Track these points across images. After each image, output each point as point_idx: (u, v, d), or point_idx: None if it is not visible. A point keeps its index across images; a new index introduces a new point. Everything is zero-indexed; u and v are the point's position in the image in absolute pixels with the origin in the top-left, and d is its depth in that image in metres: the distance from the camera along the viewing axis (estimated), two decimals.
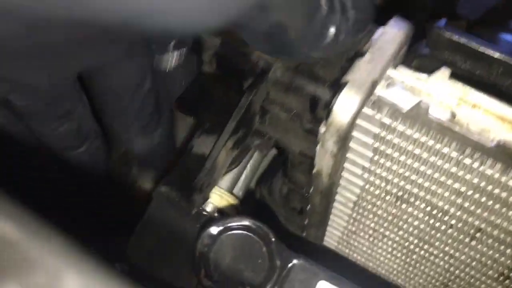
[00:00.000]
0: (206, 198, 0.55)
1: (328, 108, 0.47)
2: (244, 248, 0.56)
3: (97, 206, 1.07)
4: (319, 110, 0.51)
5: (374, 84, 0.47)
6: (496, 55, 0.50)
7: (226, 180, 0.73)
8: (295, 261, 0.56)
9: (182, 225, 0.61)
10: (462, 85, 0.49)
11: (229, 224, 0.56)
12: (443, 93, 0.49)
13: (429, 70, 0.50)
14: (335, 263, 1.05)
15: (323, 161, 0.52)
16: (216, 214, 0.68)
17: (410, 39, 0.51)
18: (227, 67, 0.56)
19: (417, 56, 0.53)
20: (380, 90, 0.50)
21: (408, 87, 0.50)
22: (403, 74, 0.50)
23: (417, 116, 0.48)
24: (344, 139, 0.49)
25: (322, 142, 0.50)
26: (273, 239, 0.56)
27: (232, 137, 0.52)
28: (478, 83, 0.50)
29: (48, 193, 0.91)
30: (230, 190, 0.74)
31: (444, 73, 0.49)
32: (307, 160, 0.59)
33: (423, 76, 0.50)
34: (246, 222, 0.56)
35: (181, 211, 0.62)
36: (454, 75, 0.50)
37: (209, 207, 0.68)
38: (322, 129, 0.48)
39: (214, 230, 0.56)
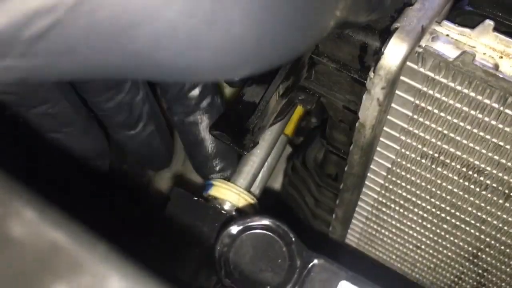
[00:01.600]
0: (256, 143, 0.57)
1: (377, 54, 0.50)
2: (264, 247, 0.56)
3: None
4: (368, 57, 0.53)
5: (423, 31, 0.49)
6: None
7: (243, 179, 0.75)
8: (315, 261, 0.56)
9: (201, 224, 0.62)
10: (505, 37, 0.51)
11: (249, 224, 0.57)
12: (486, 46, 0.52)
13: (472, 25, 0.53)
14: (357, 263, 1.07)
15: (368, 110, 0.55)
16: (234, 213, 0.70)
17: None
18: None
19: (460, 13, 0.56)
20: (425, 42, 0.52)
21: (453, 40, 0.52)
22: (447, 28, 0.53)
23: (463, 65, 0.50)
24: (391, 84, 0.51)
25: (369, 88, 0.52)
26: (293, 239, 0.56)
27: (283, 84, 0.55)
28: None
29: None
30: (248, 189, 0.76)
31: (487, 26, 0.51)
32: (349, 116, 0.61)
33: (467, 30, 0.52)
34: (266, 222, 0.57)
35: (199, 210, 0.64)
36: (497, 30, 0.52)
37: (227, 206, 0.70)
38: (371, 74, 0.50)
39: (234, 229, 0.57)
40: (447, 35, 0.53)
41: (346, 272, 0.57)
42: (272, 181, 1.23)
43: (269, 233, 0.57)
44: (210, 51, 0.34)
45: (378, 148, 0.68)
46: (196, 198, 0.66)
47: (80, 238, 0.33)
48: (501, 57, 0.52)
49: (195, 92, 0.69)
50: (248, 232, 0.57)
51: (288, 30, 0.37)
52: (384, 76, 0.50)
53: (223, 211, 0.66)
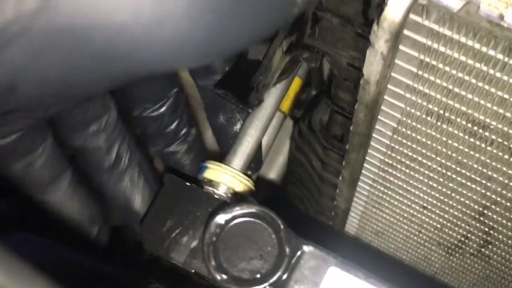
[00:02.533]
0: (261, 100, 0.57)
1: (381, 6, 0.49)
2: (252, 235, 0.56)
3: None
4: (372, 11, 0.53)
5: None
6: None
7: (238, 159, 0.74)
8: (304, 248, 0.55)
9: (194, 209, 0.62)
10: None
11: (236, 212, 0.57)
12: None
13: None
14: (355, 251, 1.07)
15: (372, 65, 0.54)
16: (229, 195, 0.69)
17: None
18: None
19: None
20: None
21: None
22: None
23: (467, 15, 0.49)
24: (396, 36, 0.51)
25: (373, 42, 0.52)
26: (282, 226, 0.55)
27: (286, 40, 0.54)
28: None
29: None
30: (244, 170, 0.75)
31: None
32: (354, 73, 0.61)
33: None
34: (253, 210, 0.56)
35: (192, 194, 0.63)
36: None
37: (222, 188, 0.69)
38: (374, 27, 0.50)
39: (221, 219, 0.56)
40: None
41: (336, 258, 0.56)
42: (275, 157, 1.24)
43: (258, 221, 0.56)
44: (162, 46, 0.38)
45: (383, 107, 0.68)
46: (188, 184, 0.65)
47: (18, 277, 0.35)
48: (507, 8, 0.51)
49: (173, 126, 0.75)
50: (236, 220, 0.57)
51: (242, 16, 0.39)
52: (388, 28, 0.50)
53: (216, 196, 0.65)
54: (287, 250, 0.55)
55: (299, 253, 0.55)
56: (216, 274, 0.53)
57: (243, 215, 0.56)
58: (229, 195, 0.68)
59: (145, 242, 0.61)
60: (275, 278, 0.52)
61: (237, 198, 0.69)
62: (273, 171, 1.29)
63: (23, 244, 0.67)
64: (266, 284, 0.52)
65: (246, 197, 0.72)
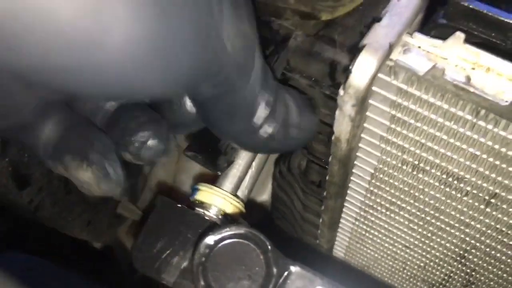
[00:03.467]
0: (230, 162, 0.57)
1: (346, 71, 0.49)
2: (241, 256, 0.57)
3: None
4: (338, 74, 0.53)
5: (391, 47, 0.48)
6: None
7: (229, 182, 0.75)
8: (291, 268, 0.56)
9: (185, 230, 0.63)
10: (476, 49, 0.51)
11: (225, 234, 0.57)
12: (458, 58, 0.51)
13: (446, 37, 0.52)
14: (343, 273, 1.07)
15: (341, 125, 0.54)
16: (220, 217, 0.70)
17: (426, 4, 0.53)
18: None
19: (434, 26, 0.55)
20: (396, 55, 0.51)
21: (424, 52, 0.52)
22: (419, 40, 0.52)
23: (433, 79, 0.49)
24: (362, 101, 0.51)
25: (341, 105, 0.52)
26: (269, 247, 0.56)
27: None
28: (493, 49, 0.52)
29: None
30: (234, 192, 0.76)
31: (458, 37, 0.50)
32: (326, 129, 0.61)
33: (438, 42, 0.52)
34: (242, 231, 0.57)
35: (183, 216, 0.64)
36: (470, 42, 0.51)
37: (213, 210, 0.70)
38: (340, 91, 0.50)
39: (210, 240, 0.57)
40: (419, 46, 0.52)
41: (322, 279, 0.58)
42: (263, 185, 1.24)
43: (246, 242, 0.58)
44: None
45: (356, 162, 0.68)
46: (180, 205, 0.66)
47: None
48: (473, 69, 0.51)
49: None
50: (225, 241, 0.58)
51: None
52: (354, 94, 0.50)
53: (206, 217, 0.66)
54: (275, 270, 0.56)
55: (286, 273, 0.56)
56: None
57: (232, 236, 0.57)
58: (220, 217, 0.69)
59: (135, 262, 0.62)
60: None
61: (228, 220, 0.70)
62: (265, 193, 1.29)
63: (11, 262, 0.68)
64: None
65: (236, 218, 0.73)
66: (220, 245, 0.58)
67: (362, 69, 0.48)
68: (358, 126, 0.55)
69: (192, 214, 0.66)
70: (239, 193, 0.78)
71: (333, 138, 0.57)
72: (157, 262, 0.63)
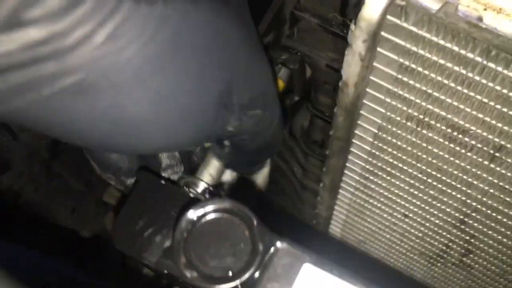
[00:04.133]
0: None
1: (358, 6, 0.49)
2: (225, 232, 0.54)
3: None
4: (350, 10, 0.52)
5: None
6: None
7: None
8: (278, 245, 0.53)
9: (168, 208, 0.61)
10: None
11: (208, 208, 0.54)
12: None
13: None
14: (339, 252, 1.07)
15: (350, 67, 0.54)
16: (206, 195, 0.69)
17: None
18: None
19: None
20: None
21: None
22: None
23: (446, 16, 0.49)
24: (373, 37, 0.50)
25: (351, 42, 0.52)
26: (255, 222, 0.53)
27: (264, 39, 0.54)
28: None
29: None
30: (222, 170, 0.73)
31: None
32: (333, 76, 0.60)
33: None
34: (226, 205, 0.54)
35: (167, 192, 0.62)
36: None
37: (200, 187, 0.69)
38: (352, 26, 0.50)
39: (192, 214, 0.54)
40: None
41: (310, 255, 0.54)
42: None
43: (231, 216, 0.54)
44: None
45: (362, 112, 0.67)
46: (163, 182, 0.64)
47: None
48: (485, 9, 0.51)
49: None
50: (208, 216, 0.54)
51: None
52: (365, 28, 0.49)
53: (191, 195, 0.64)
54: (260, 247, 0.53)
55: (272, 250, 0.53)
56: (186, 271, 0.51)
57: (216, 211, 0.54)
58: (206, 195, 0.67)
59: (116, 241, 0.60)
60: (247, 275, 0.50)
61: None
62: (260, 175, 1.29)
63: None
64: (237, 282, 0.50)
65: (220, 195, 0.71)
66: (202, 220, 0.54)
67: (375, 0, 0.48)
68: (367, 67, 0.55)
69: (177, 191, 0.63)
70: (227, 172, 0.76)
71: (340, 83, 0.57)
72: (139, 241, 0.60)
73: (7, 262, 0.63)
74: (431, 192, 0.75)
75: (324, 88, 0.63)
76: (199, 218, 0.53)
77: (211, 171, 0.71)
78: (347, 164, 0.76)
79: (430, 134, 0.65)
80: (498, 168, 0.62)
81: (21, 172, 0.97)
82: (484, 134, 0.59)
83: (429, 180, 0.73)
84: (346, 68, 0.55)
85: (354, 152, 0.74)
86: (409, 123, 0.65)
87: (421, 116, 0.63)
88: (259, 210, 0.59)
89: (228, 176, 0.76)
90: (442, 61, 0.55)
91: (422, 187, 0.75)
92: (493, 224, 0.72)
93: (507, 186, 0.64)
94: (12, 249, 0.68)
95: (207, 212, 0.53)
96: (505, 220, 0.69)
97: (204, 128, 0.55)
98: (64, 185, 1.08)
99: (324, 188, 0.82)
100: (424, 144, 0.67)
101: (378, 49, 0.55)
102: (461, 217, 0.75)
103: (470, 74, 0.54)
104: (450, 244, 0.83)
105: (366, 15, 0.48)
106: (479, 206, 0.70)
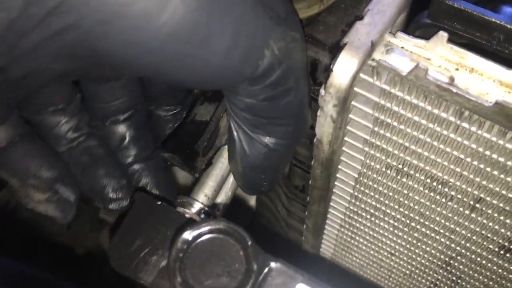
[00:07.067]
0: (209, 163, 0.55)
1: (327, 71, 0.48)
2: (220, 252, 0.55)
3: None
4: (320, 74, 0.51)
5: (373, 46, 0.47)
6: (498, 22, 0.51)
7: (212, 181, 0.71)
8: (272, 264, 0.55)
9: (164, 228, 0.61)
10: (460, 49, 0.49)
11: (204, 229, 0.55)
12: (442, 58, 0.50)
13: (430, 37, 0.51)
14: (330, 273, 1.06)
15: (323, 127, 0.53)
16: (202, 216, 0.68)
17: (410, 3, 0.51)
18: None
19: (418, 25, 0.54)
20: (379, 55, 0.50)
21: (407, 52, 0.51)
22: (402, 40, 0.51)
23: (416, 79, 0.48)
24: (343, 102, 0.49)
25: (322, 106, 0.50)
26: (249, 242, 0.54)
27: None
28: (478, 50, 0.50)
29: None
30: (216, 193, 0.71)
31: (441, 37, 0.49)
32: (309, 131, 0.59)
33: (421, 41, 0.50)
34: (221, 225, 0.55)
35: (163, 213, 0.62)
36: (454, 42, 0.50)
37: (195, 208, 0.68)
38: (322, 91, 0.49)
39: (188, 235, 0.55)
40: (402, 47, 0.51)
41: (303, 275, 0.55)
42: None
43: (225, 237, 0.55)
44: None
45: (341, 167, 0.66)
46: (159, 202, 0.64)
47: None
48: (457, 69, 0.50)
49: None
50: (204, 236, 0.55)
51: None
52: (335, 94, 0.48)
53: (187, 215, 0.64)
54: (255, 266, 0.53)
55: (266, 269, 0.54)
56: None
57: (211, 231, 0.55)
58: (202, 216, 0.67)
59: (112, 261, 0.59)
60: None
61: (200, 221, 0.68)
62: (252, 199, 1.28)
63: None
64: None
65: (215, 215, 0.71)
66: (198, 240, 0.55)
67: (343, 68, 0.47)
68: (340, 128, 0.54)
69: (173, 212, 0.64)
70: (222, 193, 0.76)
71: (315, 140, 0.56)
72: (135, 261, 0.60)
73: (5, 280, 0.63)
74: (415, 234, 0.73)
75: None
76: (195, 238, 0.54)
77: (206, 191, 0.71)
78: (330, 210, 0.75)
79: (410, 183, 0.64)
80: (479, 218, 0.61)
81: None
82: (463, 186, 0.58)
83: (412, 224, 0.71)
84: (319, 127, 0.53)
85: (335, 199, 0.73)
86: (388, 171, 0.64)
87: (400, 166, 0.62)
88: (253, 231, 0.59)
89: (223, 196, 0.76)
90: (416, 118, 0.54)
91: (406, 229, 0.74)
92: (478, 268, 0.71)
93: (489, 235, 0.63)
94: (10, 266, 0.69)
95: (202, 232, 0.54)
96: (489, 265, 0.68)
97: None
98: None
99: (307, 230, 0.81)
100: (405, 191, 0.66)
101: (355, 103, 0.53)
102: (446, 259, 0.74)
103: (444, 132, 0.53)
104: (437, 282, 0.82)
105: (335, 81, 0.47)
106: (463, 251, 0.69)
